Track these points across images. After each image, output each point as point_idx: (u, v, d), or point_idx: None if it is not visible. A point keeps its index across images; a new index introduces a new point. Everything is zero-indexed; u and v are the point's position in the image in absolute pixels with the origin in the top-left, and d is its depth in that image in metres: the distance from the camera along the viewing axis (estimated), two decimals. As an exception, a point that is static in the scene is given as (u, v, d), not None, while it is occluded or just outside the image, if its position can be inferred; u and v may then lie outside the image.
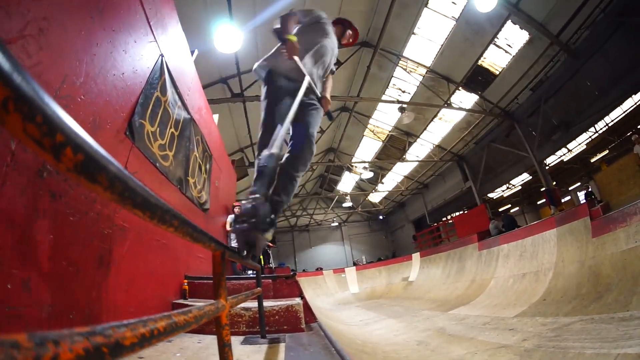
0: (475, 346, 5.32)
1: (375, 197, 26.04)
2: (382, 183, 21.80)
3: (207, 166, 5.84)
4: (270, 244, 8.65)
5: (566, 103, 12.13)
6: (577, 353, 3.95)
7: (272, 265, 9.10)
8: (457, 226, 16.17)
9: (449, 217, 21.89)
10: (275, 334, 3.29)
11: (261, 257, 8.12)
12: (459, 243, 12.98)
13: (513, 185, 20.83)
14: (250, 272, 7.47)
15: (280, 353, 2.57)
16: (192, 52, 5.68)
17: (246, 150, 14.97)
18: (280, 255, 26.06)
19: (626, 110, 15.17)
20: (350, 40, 3.25)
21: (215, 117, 7.29)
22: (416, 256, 16.03)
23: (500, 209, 22.16)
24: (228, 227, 7.27)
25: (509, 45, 11.45)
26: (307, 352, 2.63)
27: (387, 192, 23.60)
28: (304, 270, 23.43)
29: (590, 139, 17.34)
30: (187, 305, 3.35)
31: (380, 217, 29.49)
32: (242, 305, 3.39)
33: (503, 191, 21.79)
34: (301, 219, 28.31)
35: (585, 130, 13.74)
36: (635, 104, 14.67)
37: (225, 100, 10.19)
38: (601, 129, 16.50)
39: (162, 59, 3.67)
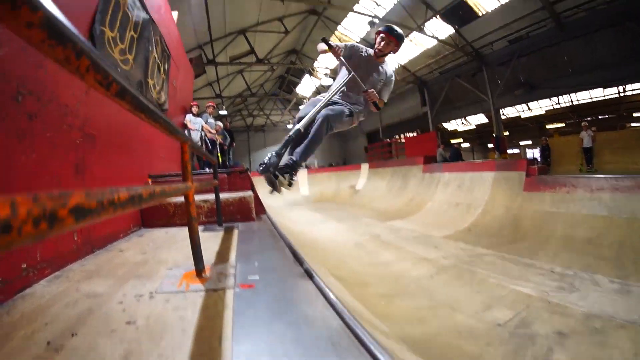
0: (403, 254, 6.16)
1: (332, 104, 26.07)
2: (342, 91, 21.73)
3: (166, 66, 5.67)
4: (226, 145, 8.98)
5: (538, 66, 12.47)
6: (482, 278, 4.80)
7: (231, 162, 9.49)
8: (407, 146, 16.83)
9: (401, 136, 22.64)
10: (230, 222, 3.82)
11: (219, 154, 8.39)
12: (406, 162, 13.63)
13: (468, 122, 21.60)
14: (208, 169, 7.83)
15: (234, 236, 3.10)
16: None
17: (205, 47, 14.14)
18: (236, 154, 26.19)
19: (593, 98, 16.03)
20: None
21: (175, 14, 6.88)
22: (365, 167, 16.72)
23: (452, 141, 23.21)
24: (188, 124, 7.40)
25: (501, -8, 11.01)
26: (256, 235, 3.23)
27: (345, 101, 23.66)
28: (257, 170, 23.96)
29: (552, 107, 18.17)
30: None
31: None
32: (202, 197, 3.89)
33: (457, 125, 22.58)
34: (257, 119, 28.06)
35: (549, 97, 14.46)
36: (604, 96, 15.63)
37: (185, -4, 9.36)
38: (565, 102, 17.35)
39: (118, -40, 3.37)
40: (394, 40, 3.03)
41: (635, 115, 18.30)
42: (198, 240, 1.91)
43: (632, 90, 14.71)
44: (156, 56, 5.00)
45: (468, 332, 3.37)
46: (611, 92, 15.24)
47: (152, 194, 0.80)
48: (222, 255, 2.46)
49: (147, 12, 4.39)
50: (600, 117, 18.59)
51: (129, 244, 2.82)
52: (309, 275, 2.04)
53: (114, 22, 3.30)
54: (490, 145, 26.72)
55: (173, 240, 2.91)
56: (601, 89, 14.06)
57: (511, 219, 7.56)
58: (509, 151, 21.75)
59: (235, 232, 3.27)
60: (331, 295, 1.67)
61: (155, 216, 3.66)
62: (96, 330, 1.30)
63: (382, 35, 3.03)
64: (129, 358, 1.13)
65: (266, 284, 1.85)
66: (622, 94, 15.27)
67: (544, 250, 5.97)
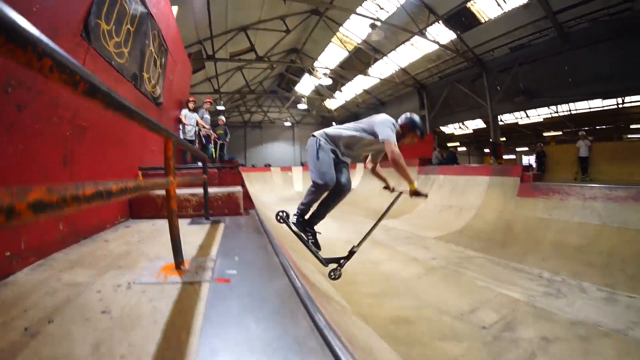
0: (393, 254, 6.19)
1: (331, 104, 26.15)
2: (341, 91, 21.76)
3: (163, 60, 5.63)
4: (227, 142, 9.03)
5: (539, 75, 12.53)
6: (470, 281, 4.83)
7: (226, 158, 9.45)
8: (403, 148, 16.88)
9: (397, 138, 22.64)
10: (218, 216, 3.78)
11: (213, 150, 8.33)
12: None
13: (466, 127, 21.68)
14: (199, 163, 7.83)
15: (219, 230, 3.10)
16: (153, -61, 5.12)
17: (205, 43, 14.04)
18: (232, 150, 26.11)
19: (592, 108, 16.03)
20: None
21: (175, 9, 6.85)
22: (360, 166, 16.59)
23: (449, 144, 23.31)
24: (183, 119, 7.37)
25: (504, 0, 11.20)
26: (242, 230, 3.21)
27: (344, 102, 23.77)
28: (253, 166, 23.95)
29: (550, 116, 18.20)
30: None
31: (334, 124, 29.78)
32: (190, 191, 3.89)
33: (455, 129, 22.65)
34: (255, 115, 28.08)
35: (547, 106, 14.54)
36: (602, 107, 15.56)
37: (187, -9, 9.31)
38: (563, 111, 17.33)
39: (118, -50, 3.31)
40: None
41: (632, 127, 18.40)
42: (177, 233, 1.90)
43: (631, 102, 14.64)
44: (153, 50, 4.97)
45: (452, 334, 3.39)
46: (610, 103, 15.13)
47: (124, 189, 0.82)
48: (204, 249, 2.42)
49: (146, 6, 4.36)
50: (597, 127, 18.67)
51: (114, 235, 2.81)
52: (285, 271, 2.00)
53: (110, 15, 3.27)
54: (487, 150, 26.96)
55: (158, 233, 2.89)
56: (600, 99, 14.04)
57: (503, 224, 7.59)
58: (505, 157, 21.93)
59: (221, 226, 3.25)
60: (301, 291, 1.66)
61: (144, 208, 3.64)
62: (72, 319, 1.32)
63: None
64: (100, 346, 1.14)
65: (242, 279, 1.83)
66: (620, 106, 15.19)
67: (534, 255, 6.00)
